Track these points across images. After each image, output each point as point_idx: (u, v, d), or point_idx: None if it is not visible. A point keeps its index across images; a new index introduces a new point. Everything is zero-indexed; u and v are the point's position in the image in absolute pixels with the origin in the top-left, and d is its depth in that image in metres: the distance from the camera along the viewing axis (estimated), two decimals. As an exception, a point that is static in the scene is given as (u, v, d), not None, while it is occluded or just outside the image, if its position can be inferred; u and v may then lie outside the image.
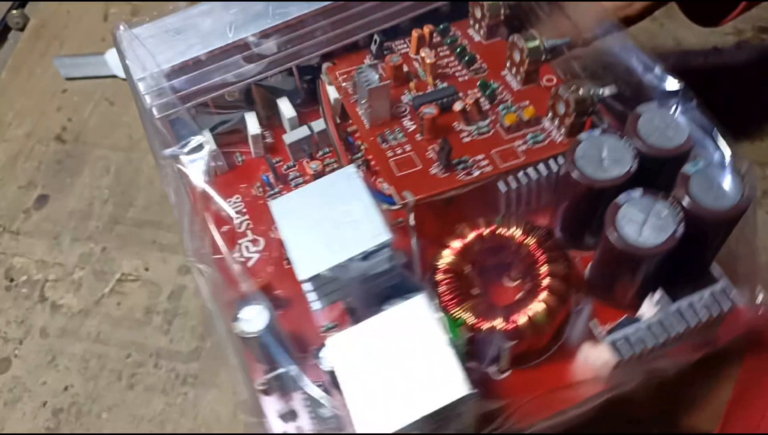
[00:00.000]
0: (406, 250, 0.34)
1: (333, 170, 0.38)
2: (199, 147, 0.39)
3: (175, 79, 0.40)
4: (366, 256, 0.30)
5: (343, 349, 0.27)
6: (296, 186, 0.40)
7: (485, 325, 0.32)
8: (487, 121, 0.38)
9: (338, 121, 0.41)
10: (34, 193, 0.50)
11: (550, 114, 0.37)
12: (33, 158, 0.52)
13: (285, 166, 0.41)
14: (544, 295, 0.32)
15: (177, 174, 0.40)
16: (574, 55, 0.38)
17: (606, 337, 0.30)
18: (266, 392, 0.32)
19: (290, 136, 0.41)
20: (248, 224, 0.40)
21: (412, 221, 0.35)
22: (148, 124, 0.40)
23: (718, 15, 0.43)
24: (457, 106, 0.38)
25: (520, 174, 0.36)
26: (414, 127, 0.38)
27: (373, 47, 0.41)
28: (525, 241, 0.34)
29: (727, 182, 0.30)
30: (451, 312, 0.32)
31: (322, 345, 0.32)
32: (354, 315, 0.33)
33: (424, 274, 0.34)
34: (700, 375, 0.35)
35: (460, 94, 0.39)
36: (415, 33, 0.41)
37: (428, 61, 0.39)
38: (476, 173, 0.36)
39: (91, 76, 0.56)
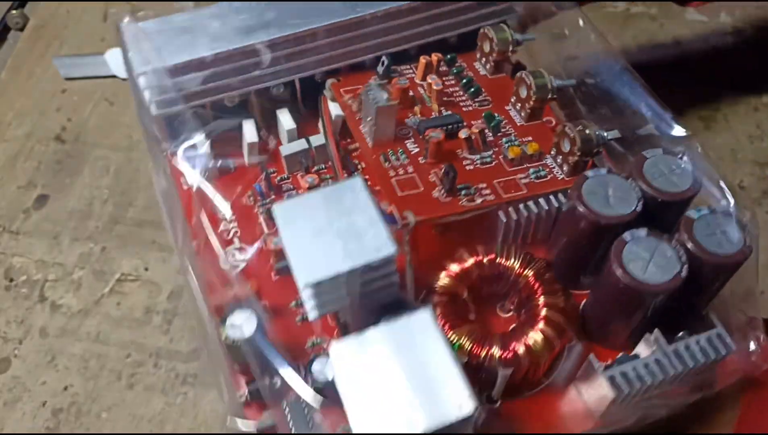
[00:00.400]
0: (399, 270, 0.34)
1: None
2: (193, 148, 0.38)
3: (177, 77, 0.39)
4: (369, 268, 0.29)
5: (348, 358, 0.26)
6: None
7: (482, 352, 0.31)
8: (491, 151, 0.38)
9: (338, 138, 0.41)
10: (33, 193, 0.49)
11: (553, 151, 0.37)
12: (32, 158, 0.51)
13: (279, 178, 0.41)
14: (541, 325, 0.32)
15: (168, 174, 0.39)
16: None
17: (604, 371, 0.29)
18: (249, 402, 0.31)
19: (287, 148, 0.40)
20: (236, 232, 0.39)
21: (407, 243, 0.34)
22: (145, 120, 0.39)
23: None
24: (463, 134, 0.37)
25: (521, 206, 0.36)
26: (417, 149, 0.38)
27: (380, 68, 0.41)
28: (524, 273, 0.34)
29: (730, 230, 0.31)
30: (447, 335, 0.31)
31: (314, 359, 0.31)
32: (345, 330, 0.32)
33: (416, 296, 0.34)
34: (696, 419, 0.35)
35: (464, 123, 0.39)
36: (422, 59, 0.41)
37: (435, 87, 0.39)
38: (479, 201, 0.35)
39: (90, 76, 0.56)
